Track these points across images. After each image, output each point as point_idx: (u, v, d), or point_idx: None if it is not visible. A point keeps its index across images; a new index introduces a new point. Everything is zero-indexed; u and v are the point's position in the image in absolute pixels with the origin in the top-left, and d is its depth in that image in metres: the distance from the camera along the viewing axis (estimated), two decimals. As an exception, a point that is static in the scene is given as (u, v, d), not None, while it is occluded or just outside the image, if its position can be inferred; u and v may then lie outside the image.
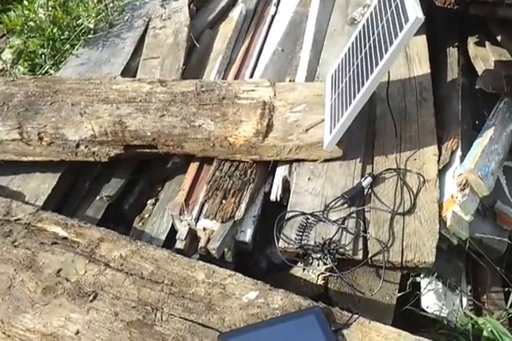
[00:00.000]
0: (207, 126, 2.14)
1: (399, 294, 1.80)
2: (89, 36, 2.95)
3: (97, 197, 2.15)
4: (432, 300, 1.90)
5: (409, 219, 1.87)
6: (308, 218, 1.88)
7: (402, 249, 1.79)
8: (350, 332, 1.46)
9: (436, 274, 1.91)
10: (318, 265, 1.83)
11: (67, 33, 2.97)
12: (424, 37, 2.59)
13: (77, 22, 2.98)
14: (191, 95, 2.27)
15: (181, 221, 1.95)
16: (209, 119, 2.17)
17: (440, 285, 1.91)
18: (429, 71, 2.42)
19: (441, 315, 1.87)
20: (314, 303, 1.53)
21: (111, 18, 3.03)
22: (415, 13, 1.75)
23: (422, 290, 1.90)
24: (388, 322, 1.68)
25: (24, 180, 2.16)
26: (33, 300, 1.60)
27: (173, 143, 2.11)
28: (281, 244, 1.83)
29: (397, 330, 1.48)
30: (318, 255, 1.81)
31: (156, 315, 1.54)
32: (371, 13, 2.12)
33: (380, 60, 1.86)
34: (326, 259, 1.79)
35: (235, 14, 3.02)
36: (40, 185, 2.12)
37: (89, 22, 2.96)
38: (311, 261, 1.84)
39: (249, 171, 2.06)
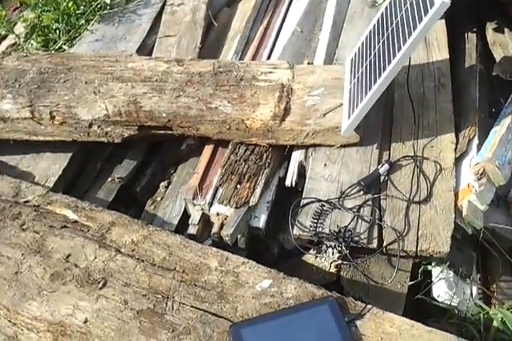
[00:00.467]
0: (223, 108, 2.03)
1: (410, 282, 1.73)
2: (105, 12, 2.82)
3: (109, 179, 2.05)
4: (443, 289, 1.83)
5: (425, 208, 1.80)
6: (323, 205, 1.80)
7: (417, 238, 1.72)
8: (363, 322, 1.40)
9: (448, 263, 1.83)
10: (333, 253, 1.74)
11: (82, 7, 2.83)
12: (443, 22, 2.46)
13: (93, -4, 2.84)
14: (208, 76, 2.15)
15: (194, 205, 1.86)
16: (226, 101, 2.05)
17: (451, 274, 1.84)
18: (447, 56, 2.31)
19: (452, 304, 1.81)
20: (328, 293, 1.45)
21: (128, -7, 2.88)
22: (441, -4, 1.63)
23: (433, 278, 1.83)
24: (399, 310, 1.63)
25: (34, 160, 2.05)
26: (41, 286, 1.51)
27: (188, 125, 2.00)
28: (295, 231, 1.75)
29: (410, 321, 1.41)
30: (333, 243, 1.73)
31: (167, 303, 1.45)
32: (394, -4, 1.99)
33: (403, 44, 1.75)
34: (340, 248, 1.71)
35: (254, -8, 2.87)
36: (50, 166, 2.02)
37: (105, -3, 2.82)
38: (324, 249, 1.76)
39: (264, 155, 1.97)
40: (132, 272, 1.52)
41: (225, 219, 1.79)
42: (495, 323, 1.70)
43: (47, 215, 1.69)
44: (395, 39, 1.82)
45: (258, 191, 1.86)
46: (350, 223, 1.75)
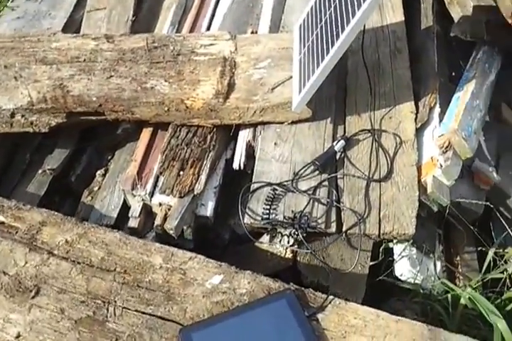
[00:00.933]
0: (160, 87, 1.96)
1: (371, 263, 1.72)
2: (27, -15, 2.68)
3: (39, 171, 1.96)
4: (405, 267, 1.82)
5: (386, 185, 1.78)
6: (275, 189, 1.76)
7: (380, 220, 1.71)
8: (325, 315, 1.37)
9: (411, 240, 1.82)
10: (288, 242, 1.71)
11: (0, -19, 2.72)
12: (396, -20, 2.41)
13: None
14: (142, 52, 2.07)
15: (134, 196, 1.80)
16: (162, 80, 1.98)
17: (414, 251, 1.83)
18: (403, 18, 2.29)
19: (416, 282, 1.81)
20: (285, 285, 1.42)
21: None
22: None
23: (395, 256, 1.82)
24: (361, 293, 1.65)
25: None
26: (-37, 300, 1.43)
27: (122, 109, 1.92)
28: (246, 219, 1.71)
29: (375, 311, 1.39)
30: (288, 231, 1.70)
31: (108, 309, 1.39)
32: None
33: (358, 8, 1.69)
34: (297, 235, 1.68)
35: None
36: (-30, 161, 1.93)
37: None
38: (279, 238, 1.72)
39: (208, 137, 1.91)
40: (68, 276, 1.45)
41: (169, 209, 1.73)
42: (462, 301, 1.70)
43: (-32, 218, 1.61)
44: (348, 2, 1.76)
45: (203, 177, 1.80)
46: (305, 207, 1.72)
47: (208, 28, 2.45)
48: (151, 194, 1.78)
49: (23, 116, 1.91)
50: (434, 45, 2.19)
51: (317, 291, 1.42)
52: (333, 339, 1.33)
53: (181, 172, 1.80)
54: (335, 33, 1.77)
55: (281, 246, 1.72)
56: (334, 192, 1.76)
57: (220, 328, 1.34)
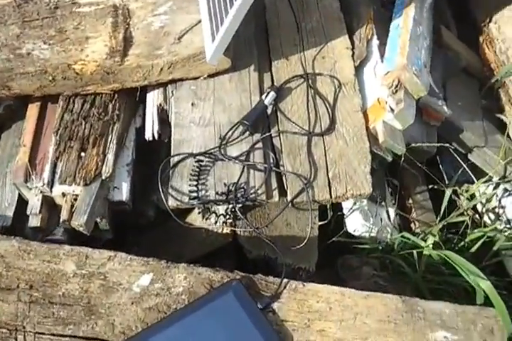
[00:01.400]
0: (39, 52, 1.81)
1: (320, 223, 1.70)
2: None
3: None
4: (358, 221, 1.80)
5: (330, 139, 1.71)
6: (200, 160, 1.66)
7: (329, 182, 1.64)
8: (282, 304, 1.33)
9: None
10: (225, 222, 1.65)
11: None
12: None
13: None
14: (10, 9, 1.91)
15: (30, 189, 1.66)
16: (41, 42, 1.83)
17: (365, 202, 1.81)
18: None
19: (372, 235, 1.81)
20: (228, 274, 1.38)
21: None
22: None
23: (344, 211, 1.81)
24: (314, 258, 1.65)
25: None
26: None
27: (-6, 85, 1.79)
28: (171, 202, 1.60)
29: (339, 289, 1.37)
30: (223, 208, 1.63)
31: (16, 338, 1.28)
32: None
33: None
34: (235, 212, 1.62)
35: None
36: None
37: None
38: (215, 219, 1.65)
39: (110, 106, 1.78)
40: (-41, 304, 1.34)
41: (75, 199, 1.61)
42: (425, 251, 1.70)
43: None
44: None
45: (111, 156, 1.68)
46: (240, 177, 1.63)
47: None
48: (50, 184, 1.64)
49: None
50: (358, -35, 2.13)
51: (267, 265, 1.45)
52: (295, 330, 1.29)
53: (82, 154, 1.67)
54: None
55: (218, 227, 1.67)
56: (271, 154, 1.68)
57: (160, 339, 1.28)
